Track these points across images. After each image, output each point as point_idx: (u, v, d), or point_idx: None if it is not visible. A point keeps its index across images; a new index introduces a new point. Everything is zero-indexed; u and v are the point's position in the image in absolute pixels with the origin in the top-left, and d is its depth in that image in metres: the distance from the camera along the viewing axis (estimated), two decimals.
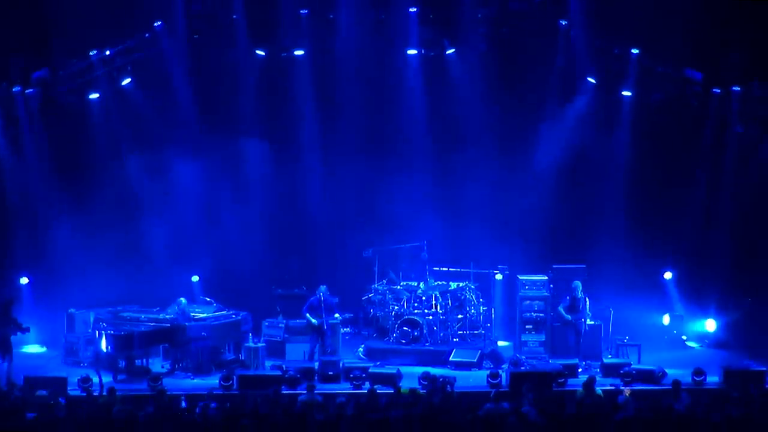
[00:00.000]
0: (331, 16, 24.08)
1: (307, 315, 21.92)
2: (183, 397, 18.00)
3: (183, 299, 21.95)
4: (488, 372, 20.54)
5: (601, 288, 23.07)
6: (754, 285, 23.58)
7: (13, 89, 23.06)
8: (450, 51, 24.40)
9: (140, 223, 24.12)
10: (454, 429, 16.03)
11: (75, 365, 21.64)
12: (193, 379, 20.94)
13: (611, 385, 19.56)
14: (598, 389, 18.32)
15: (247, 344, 21.83)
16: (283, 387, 19.30)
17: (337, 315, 22.24)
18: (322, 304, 21.85)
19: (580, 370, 21.04)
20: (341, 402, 16.79)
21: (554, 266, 23.06)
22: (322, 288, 21.99)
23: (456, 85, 24.51)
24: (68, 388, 19.16)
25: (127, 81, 23.87)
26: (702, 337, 24.15)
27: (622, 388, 19.42)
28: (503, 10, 24.15)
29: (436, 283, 23.47)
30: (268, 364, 21.60)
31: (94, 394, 18.92)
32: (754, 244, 23.61)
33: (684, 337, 24.14)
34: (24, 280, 23.45)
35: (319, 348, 21.91)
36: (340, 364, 20.96)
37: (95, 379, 19.89)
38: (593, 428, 16.19)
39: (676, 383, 18.34)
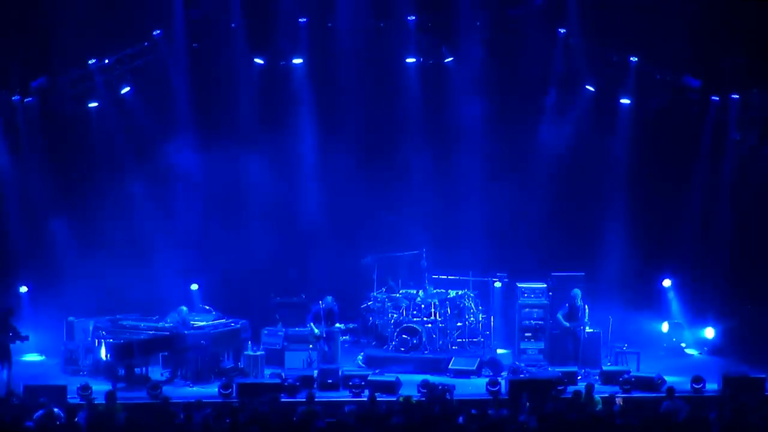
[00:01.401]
0: (330, 25, 24.16)
1: (311, 324, 21.93)
2: (182, 406, 17.95)
3: (184, 307, 21.95)
4: (487, 380, 20.51)
5: (600, 296, 23.08)
6: (752, 292, 23.60)
7: (13, 98, 23.12)
8: (449, 59, 24.44)
9: (139, 232, 24.15)
10: None
11: (74, 373, 21.61)
12: (192, 387, 20.90)
13: (610, 393, 19.59)
14: (597, 396, 18.37)
15: (246, 352, 21.85)
16: (282, 395, 19.30)
17: (339, 324, 22.21)
18: (325, 313, 21.87)
19: (579, 377, 21.02)
20: (341, 410, 16.77)
21: (553, 274, 23.04)
22: (329, 299, 22.03)
23: (455, 93, 24.53)
24: (68, 397, 19.14)
25: (126, 89, 23.92)
26: (701, 345, 24.14)
27: (616, 396, 19.44)
28: (502, 17, 24.21)
29: (435, 291, 23.44)
30: (267, 372, 21.59)
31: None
32: (752, 251, 23.63)
33: (683, 345, 24.14)
34: (23, 289, 23.46)
35: (320, 355, 21.88)
36: (340, 372, 20.94)
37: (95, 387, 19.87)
38: None
39: (670, 390, 18.41)
